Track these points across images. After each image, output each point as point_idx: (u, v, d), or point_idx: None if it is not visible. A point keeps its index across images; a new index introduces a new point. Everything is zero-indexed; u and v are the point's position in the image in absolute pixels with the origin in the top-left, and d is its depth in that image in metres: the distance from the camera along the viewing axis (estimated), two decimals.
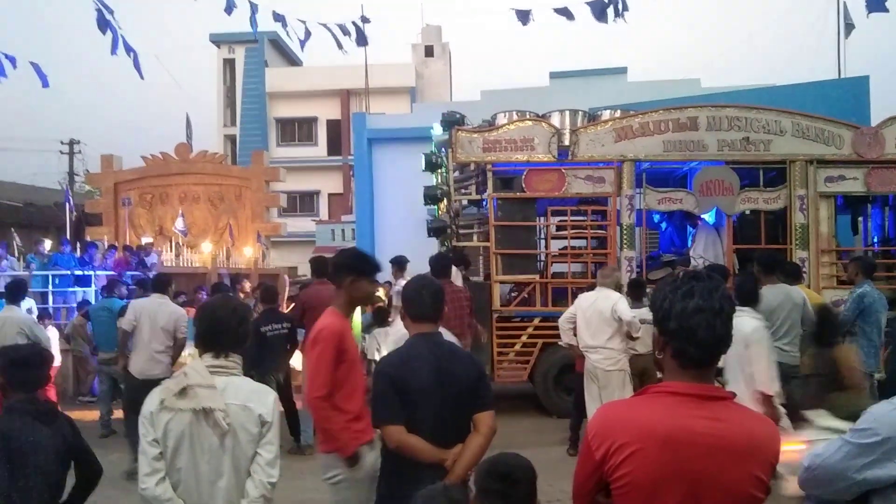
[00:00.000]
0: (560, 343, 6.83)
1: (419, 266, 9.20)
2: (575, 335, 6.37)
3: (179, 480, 2.46)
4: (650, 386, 1.80)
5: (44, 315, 9.92)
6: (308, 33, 9.61)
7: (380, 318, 8.18)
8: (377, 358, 7.75)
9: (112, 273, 12.28)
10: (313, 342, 3.26)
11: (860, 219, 9.55)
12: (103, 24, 7.64)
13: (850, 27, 15.20)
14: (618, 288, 6.47)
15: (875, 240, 9.39)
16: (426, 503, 2.16)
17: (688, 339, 1.68)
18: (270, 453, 2.51)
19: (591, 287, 7.30)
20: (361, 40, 10.17)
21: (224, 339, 2.58)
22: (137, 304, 7.03)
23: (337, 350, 3.22)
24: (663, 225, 10.44)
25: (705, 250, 8.83)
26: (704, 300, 1.68)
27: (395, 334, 6.19)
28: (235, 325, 2.59)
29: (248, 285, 11.34)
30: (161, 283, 7.14)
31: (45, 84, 8.20)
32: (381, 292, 10.48)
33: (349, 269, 3.42)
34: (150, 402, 2.50)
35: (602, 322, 6.08)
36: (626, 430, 1.69)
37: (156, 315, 6.70)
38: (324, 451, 3.24)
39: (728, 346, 1.71)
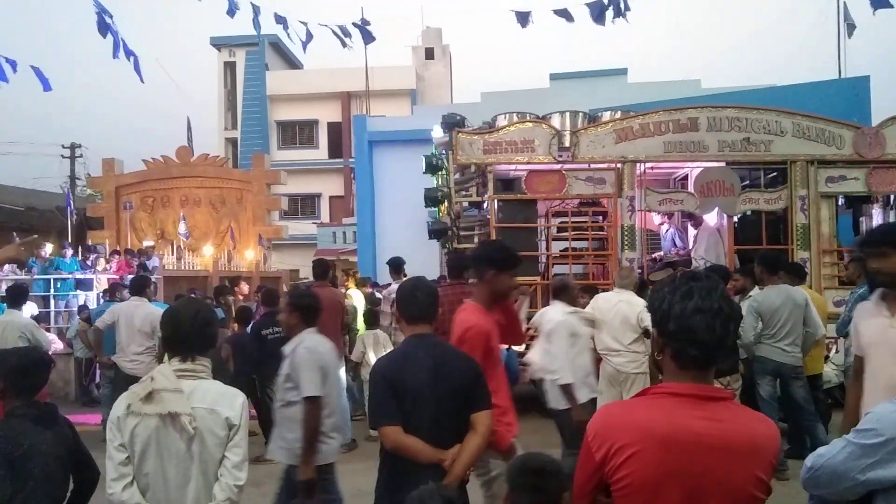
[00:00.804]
0: None
1: (420, 268, 9.21)
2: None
3: (148, 485, 2.47)
4: (650, 387, 1.81)
5: (40, 319, 9.93)
6: (310, 35, 9.64)
7: (369, 320, 8.16)
8: (369, 360, 7.74)
9: (114, 277, 12.29)
10: (460, 341, 3.20)
11: (861, 219, 9.53)
12: (104, 28, 7.66)
13: (851, 27, 15.19)
14: (636, 288, 6.39)
15: None
16: (421, 502, 2.16)
17: (687, 340, 1.68)
18: (238, 456, 2.50)
19: (590, 289, 7.30)
20: (367, 38, 10.16)
21: (188, 342, 2.58)
22: (115, 307, 7.27)
23: (485, 349, 3.22)
24: (664, 227, 10.43)
25: (707, 251, 8.83)
26: (703, 301, 1.68)
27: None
28: (198, 328, 2.58)
29: (245, 287, 11.32)
30: (138, 286, 7.26)
31: (47, 88, 8.22)
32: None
33: (490, 263, 3.42)
34: (117, 407, 2.51)
35: (625, 325, 5.90)
36: (626, 431, 1.68)
37: (132, 317, 6.88)
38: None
39: (726, 347, 1.70)
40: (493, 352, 3.29)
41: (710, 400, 1.69)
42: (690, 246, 9.42)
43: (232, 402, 2.53)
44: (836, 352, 7.70)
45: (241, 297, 10.58)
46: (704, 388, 1.70)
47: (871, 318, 3.08)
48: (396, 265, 8.82)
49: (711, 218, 9.09)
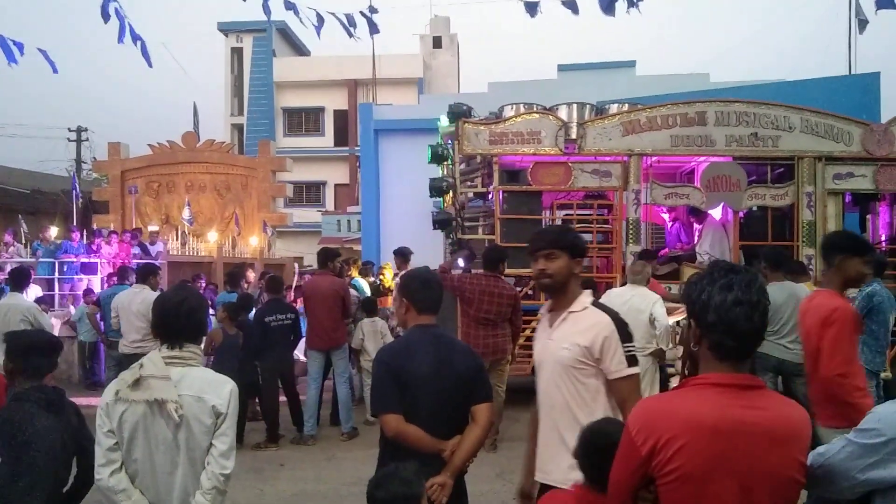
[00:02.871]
0: None
1: (424, 258, 9.21)
2: None
3: (136, 471, 2.48)
4: (689, 378, 1.82)
5: (43, 303, 9.99)
6: (321, 19, 9.61)
7: (367, 308, 8.18)
8: (367, 348, 7.76)
9: (118, 261, 12.33)
10: (826, 322, 3.33)
11: (868, 216, 9.49)
12: (107, 14, 7.63)
13: (863, 23, 15.05)
14: (649, 283, 6.36)
15: (883, 238, 9.33)
16: (379, 484, 2.22)
17: (727, 331, 1.71)
18: (225, 444, 2.50)
19: (588, 284, 7.28)
20: (373, 29, 10.15)
21: (174, 329, 2.58)
22: (116, 299, 7.38)
23: (852, 330, 3.38)
24: (669, 223, 10.40)
25: (712, 247, 8.80)
26: (743, 293, 1.71)
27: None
28: (184, 315, 2.58)
29: (251, 274, 11.33)
30: (143, 273, 7.35)
31: (55, 70, 8.21)
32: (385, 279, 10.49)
33: (840, 249, 3.51)
34: (107, 393, 2.52)
35: (638, 321, 5.82)
36: (673, 423, 1.70)
37: (129, 304, 6.96)
38: (834, 426, 3.23)
39: (763, 339, 1.75)
40: (856, 333, 3.46)
41: (749, 389, 1.73)
42: (696, 241, 9.39)
43: (219, 391, 2.52)
44: None
45: (246, 285, 10.61)
46: (743, 377, 1.74)
47: (540, 329, 2.86)
48: (404, 254, 8.85)
49: (716, 213, 9.06)
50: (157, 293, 7.04)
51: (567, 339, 2.64)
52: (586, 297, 2.74)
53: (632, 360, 2.63)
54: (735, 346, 1.72)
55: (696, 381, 1.77)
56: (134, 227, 16.70)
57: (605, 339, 2.59)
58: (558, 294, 2.72)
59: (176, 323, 2.58)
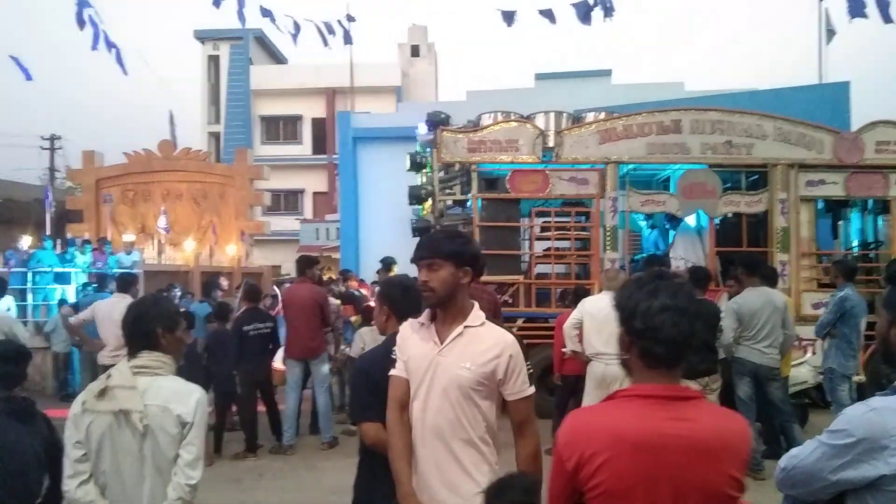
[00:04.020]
0: (565, 350, 6.36)
1: (404, 266, 9.18)
2: (580, 341, 6.09)
3: (105, 483, 2.46)
4: (617, 390, 1.78)
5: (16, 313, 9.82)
6: (297, 27, 9.60)
7: (367, 317, 8.16)
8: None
9: (100, 270, 12.16)
10: None
11: (840, 223, 9.67)
12: (81, 21, 7.56)
13: (831, 33, 15.40)
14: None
15: (854, 244, 9.51)
16: (499, 493, 2.13)
17: (654, 337, 1.67)
18: (191, 454, 2.47)
19: (573, 290, 7.32)
20: (347, 39, 10.17)
21: (126, 338, 2.58)
22: (95, 304, 7.25)
23: None
24: (644, 230, 10.51)
25: (686, 251, 8.90)
26: (669, 298, 1.68)
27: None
28: (129, 324, 2.58)
29: (224, 282, 11.20)
30: (125, 283, 7.25)
31: (28, 77, 8.10)
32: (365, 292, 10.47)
33: None
34: (75, 404, 2.50)
35: (617, 328, 5.87)
36: (596, 437, 1.66)
37: (111, 312, 6.85)
38: None
39: (693, 346, 1.70)
40: None
41: (678, 400, 1.68)
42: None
43: (185, 400, 2.49)
44: (814, 353, 7.81)
45: (220, 293, 10.50)
46: (672, 387, 1.69)
47: (419, 342, 2.51)
48: (388, 264, 8.83)
49: (690, 219, 9.17)
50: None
51: (467, 357, 2.40)
52: (479, 310, 2.52)
53: (530, 379, 2.50)
54: (663, 352, 1.67)
55: (623, 393, 1.73)
56: (109, 235, 16.48)
57: (511, 359, 2.42)
58: (446, 307, 2.47)
59: (126, 331, 2.58)
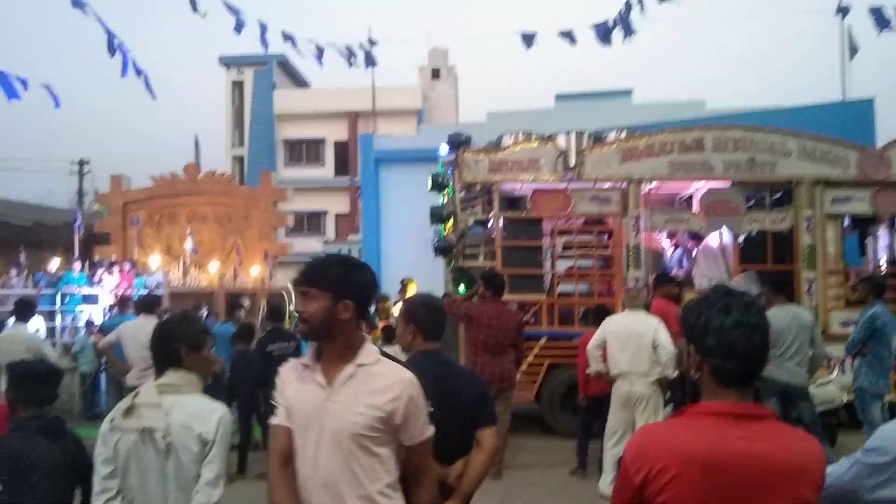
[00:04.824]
0: (589, 370, 6.27)
1: (425, 285, 9.19)
2: (604, 361, 6.06)
3: (133, 500, 2.49)
4: (689, 406, 1.75)
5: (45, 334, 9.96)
6: (320, 50, 9.76)
7: (387, 336, 8.17)
8: None
9: (122, 292, 12.33)
10: None
11: (867, 239, 9.51)
12: (112, 48, 7.75)
13: (853, 51, 15.27)
14: (647, 308, 6.32)
15: (883, 261, 9.35)
16: None
17: (727, 354, 1.66)
18: (212, 472, 2.48)
19: (594, 310, 7.25)
20: (369, 61, 10.31)
21: (153, 357, 2.62)
22: (122, 326, 7.32)
23: None
24: (669, 250, 10.43)
25: (709, 269, 8.81)
26: (742, 314, 1.66)
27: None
28: (155, 343, 2.63)
29: (247, 302, 11.30)
30: (147, 304, 7.35)
31: (57, 105, 8.29)
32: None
33: None
34: (105, 422, 2.54)
35: (641, 348, 5.80)
36: (665, 453, 1.64)
37: (138, 333, 6.92)
38: None
39: (765, 362, 1.69)
40: None
41: (752, 419, 1.65)
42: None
43: (207, 419, 2.51)
44: (843, 372, 7.66)
45: (244, 313, 10.60)
46: (745, 406, 1.67)
47: (301, 386, 2.21)
48: (403, 284, 8.87)
49: (714, 238, 9.09)
50: None
51: (360, 400, 2.11)
52: (371, 344, 2.24)
53: (429, 420, 2.26)
54: (736, 369, 1.65)
55: (695, 410, 1.71)
56: (136, 257, 16.72)
57: (411, 400, 2.15)
58: (328, 342, 2.18)
59: (153, 350, 2.63)
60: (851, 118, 12.09)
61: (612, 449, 5.94)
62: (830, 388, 7.11)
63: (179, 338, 2.61)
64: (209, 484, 2.47)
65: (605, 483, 5.91)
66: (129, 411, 2.47)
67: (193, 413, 2.51)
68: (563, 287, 9.00)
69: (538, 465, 7.02)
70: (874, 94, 12.86)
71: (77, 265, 13.11)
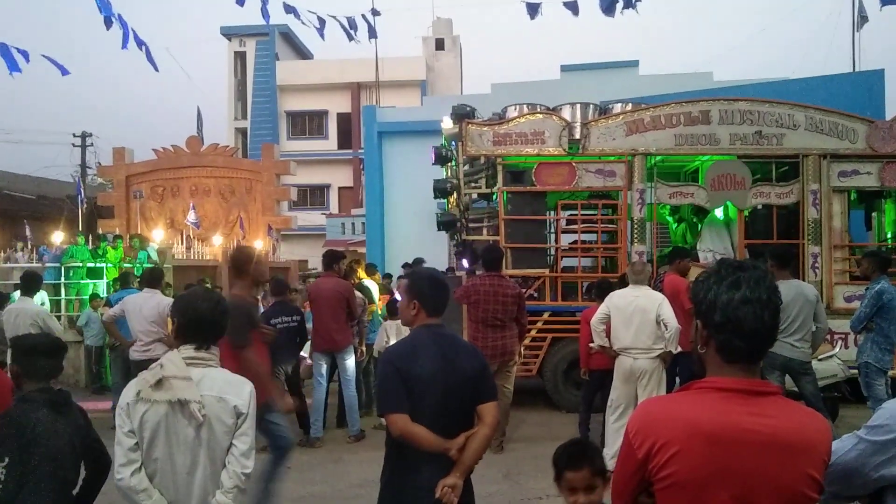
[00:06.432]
0: (593, 345, 6.27)
1: (429, 259, 9.18)
2: (607, 336, 6.06)
3: (156, 471, 2.50)
4: (693, 381, 1.72)
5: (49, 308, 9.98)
6: (322, 21, 9.64)
7: (392, 310, 8.19)
8: None
9: (127, 265, 12.35)
10: None
11: (874, 214, 9.45)
12: (109, 21, 7.64)
13: (863, 19, 15.03)
14: (649, 283, 6.29)
15: (889, 235, 9.29)
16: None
17: (735, 331, 1.63)
18: (245, 444, 2.53)
19: (597, 284, 7.24)
20: (372, 33, 10.18)
21: (205, 331, 2.63)
22: (126, 299, 7.35)
23: None
24: (672, 224, 10.38)
25: (713, 243, 8.78)
26: (752, 290, 1.63)
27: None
28: (217, 317, 2.65)
29: None
30: (152, 278, 7.35)
31: (65, 72, 8.18)
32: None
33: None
34: (127, 393, 2.54)
35: (645, 323, 5.81)
36: (669, 427, 1.62)
37: (141, 307, 6.95)
38: None
39: (774, 339, 1.66)
40: None
41: (759, 395, 1.63)
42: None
43: (240, 391, 2.56)
44: (846, 347, 7.66)
45: None
46: (752, 382, 1.64)
47: None
48: (420, 265, 8.87)
49: (719, 212, 9.04)
50: (171, 298, 7.04)
51: None
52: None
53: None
54: (744, 346, 1.62)
55: (701, 385, 1.68)
56: (139, 230, 16.74)
57: None
58: None
59: (211, 325, 2.64)
60: (861, 90, 11.96)
61: (615, 423, 5.98)
62: (832, 362, 7.11)
63: (228, 312, 2.72)
64: (243, 455, 2.52)
65: (608, 457, 5.95)
66: (159, 383, 2.48)
67: (225, 385, 2.55)
68: (566, 261, 8.99)
69: (541, 439, 7.07)
70: (884, 65, 12.68)
71: (81, 239, 13.13)
